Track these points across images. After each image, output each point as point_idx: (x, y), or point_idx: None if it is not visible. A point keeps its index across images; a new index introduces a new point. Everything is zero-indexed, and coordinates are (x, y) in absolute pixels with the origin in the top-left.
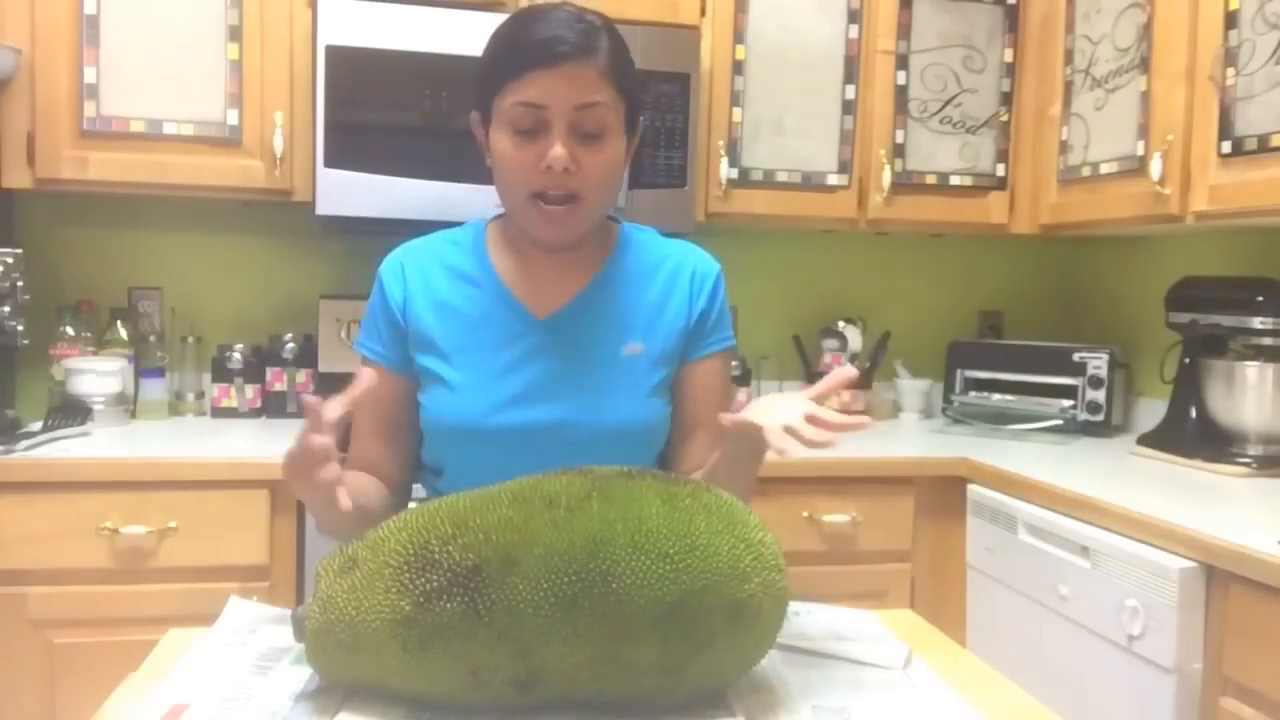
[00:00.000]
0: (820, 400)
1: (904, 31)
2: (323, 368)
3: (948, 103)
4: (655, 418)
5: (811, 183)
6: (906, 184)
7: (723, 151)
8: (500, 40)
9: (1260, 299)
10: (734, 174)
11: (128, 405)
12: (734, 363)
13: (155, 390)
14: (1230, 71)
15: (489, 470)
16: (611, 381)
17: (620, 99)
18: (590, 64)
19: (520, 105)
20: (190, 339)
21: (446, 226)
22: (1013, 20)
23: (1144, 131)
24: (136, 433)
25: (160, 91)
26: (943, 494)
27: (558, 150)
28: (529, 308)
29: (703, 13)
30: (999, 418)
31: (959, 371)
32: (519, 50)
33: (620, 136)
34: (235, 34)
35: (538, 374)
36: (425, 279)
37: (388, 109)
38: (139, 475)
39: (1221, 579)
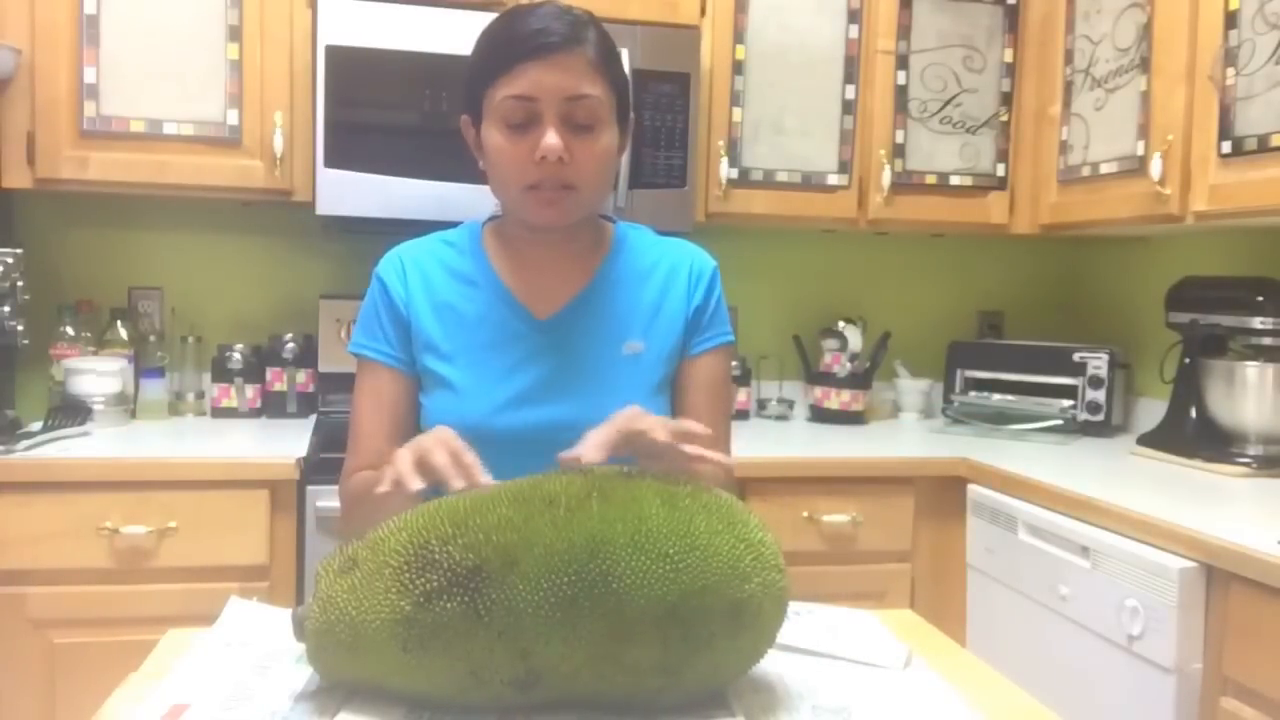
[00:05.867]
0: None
1: (904, 31)
2: (323, 368)
3: (948, 103)
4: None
5: (811, 183)
6: (906, 184)
7: (723, 151)
8: (489, 37)
9: (1260, 299)
10: (734, 174)
11: (128, 405)
12: (734, 362)
13: (155, 390)
14: (1230, 71)
15: (492, 472)
16: (613, 381)
17: (610, 92)
18: (579, 55)
19: (511, 99)
20: (190, 339)
21: (446, 226)
22: (1013, 20)
23: (1144, 131)
24: (136, 433)
25: (160, 91)
26: (943, 494)
27: (551, 140)
28: (529, 308)
29: (703, 13)
30: (999, 418)
31: (959, 371)
32: (508, 44)
33: (612, 128)
34: (235, 34)
35: (540, 375)
36: (426, 279)
37: (388, 109)
38: (139, 475)
39: (1221, 579)
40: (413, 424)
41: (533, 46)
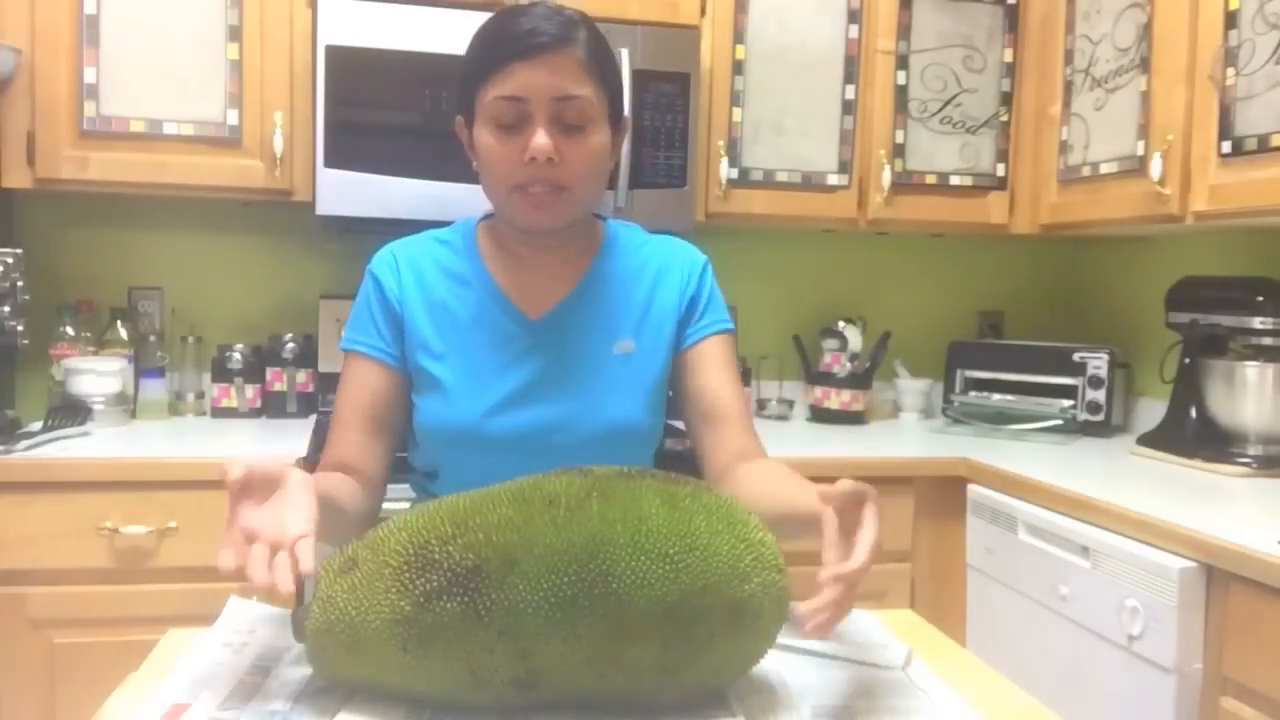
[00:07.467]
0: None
1: (904, 31)
2: (322, 368)
3: (948, 103)
4: (650, 416)
5: (811, 183)
6: (906, 184)
7: (723, 151)
8: (480, 37)
9: (1260, 299)
10: (734, 174)
11: (128, 405)
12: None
13: (155, 390)
14: (1230, 71)
15: (485, 473)
16: (605, 380)
17: (602, 92)
18: (569, 54)
19: (501, 99)
20: (190, 339)
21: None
22: (1013, 20)
23: (1144, 131)
24: (136, 433)
25: (160, 91)
26: (943, 494)
27: (540, 140)
28: (521, 308)
29: (703, 13)
30: (999, 418)
31: (959, 371)
32: (498, 44)
33: (604, 128)
34: (235, 34)
35: (532, 375)
36: (420, 278)
37: (388, 109)
38: (139, 475)
39: (1221, 579)
40: (395, 419)
41: (523, 46)
